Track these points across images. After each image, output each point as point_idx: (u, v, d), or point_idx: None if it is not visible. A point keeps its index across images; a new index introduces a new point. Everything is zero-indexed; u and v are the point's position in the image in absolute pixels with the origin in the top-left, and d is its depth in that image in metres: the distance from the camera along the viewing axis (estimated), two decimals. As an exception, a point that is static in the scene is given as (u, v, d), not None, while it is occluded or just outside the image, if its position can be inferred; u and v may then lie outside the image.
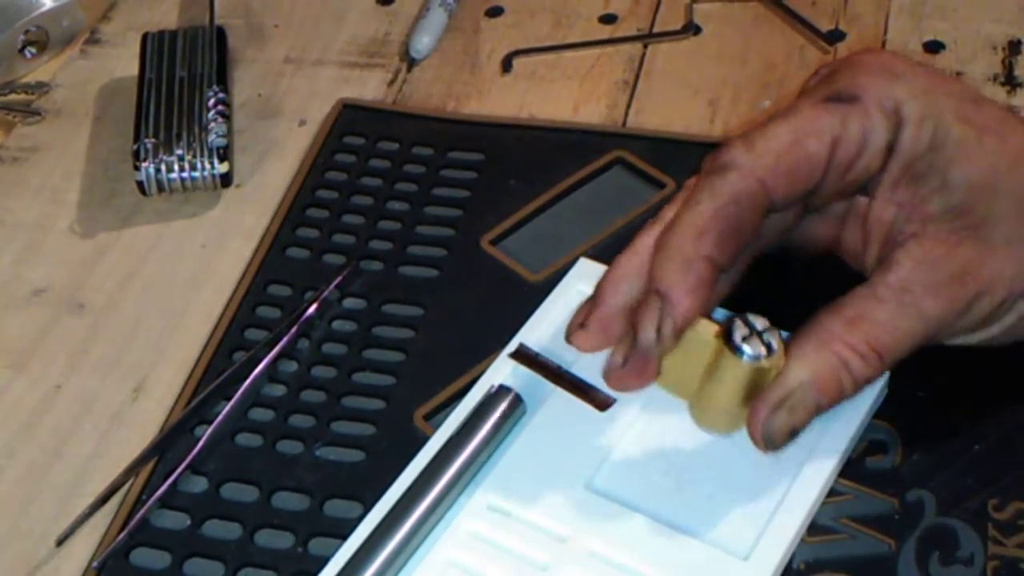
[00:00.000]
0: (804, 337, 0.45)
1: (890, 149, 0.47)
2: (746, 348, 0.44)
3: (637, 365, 0.45)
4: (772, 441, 0.45)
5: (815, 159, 0.46)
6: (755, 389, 0.45)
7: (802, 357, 0.45)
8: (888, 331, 0.45)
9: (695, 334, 0.45)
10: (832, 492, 0.49)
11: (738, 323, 0.44)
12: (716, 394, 0.45)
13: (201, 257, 0.64)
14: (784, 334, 0.45)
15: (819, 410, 0.45)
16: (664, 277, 0.45)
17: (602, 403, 0.50)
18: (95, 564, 0.51)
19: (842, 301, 0.46)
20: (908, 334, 0.45)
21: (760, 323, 0.44)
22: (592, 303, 0.48)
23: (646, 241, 0.48)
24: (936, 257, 0.46)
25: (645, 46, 0.73)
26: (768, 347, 0.44)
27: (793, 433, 0.45)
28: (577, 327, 0.48)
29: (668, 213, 0.48)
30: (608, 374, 0.46)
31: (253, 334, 0.59)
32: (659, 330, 0.44)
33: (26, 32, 0.75)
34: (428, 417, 0.55)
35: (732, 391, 0.45)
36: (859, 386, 0.45)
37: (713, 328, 0.45)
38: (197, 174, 0.65)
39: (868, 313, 0.45)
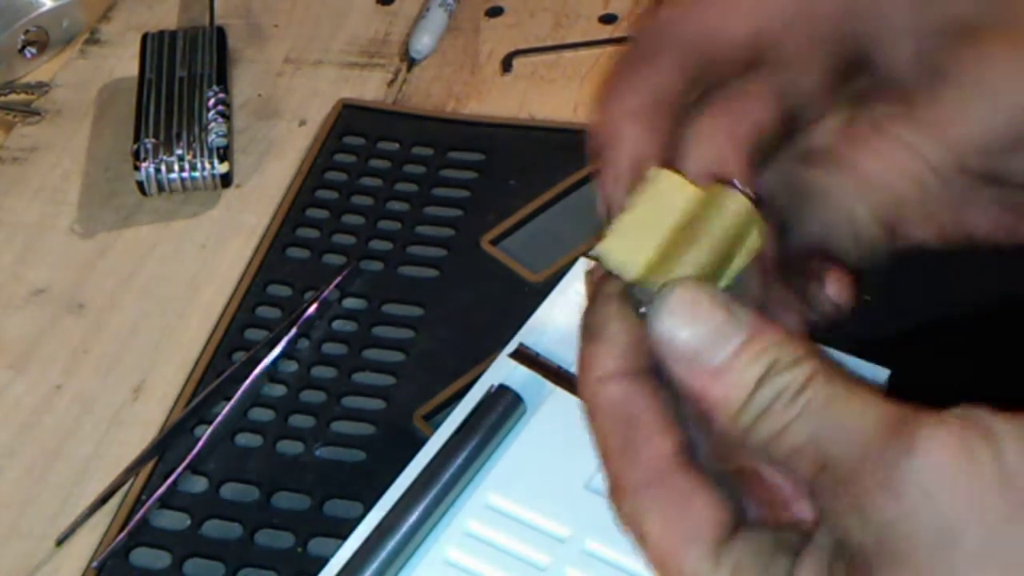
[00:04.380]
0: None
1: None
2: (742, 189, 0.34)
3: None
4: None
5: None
6: (733, 255, 0.35)
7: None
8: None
9: (673, 183, 0.35)
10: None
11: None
12: (688, 248, 0.35)
13: (201, 257, 0.64)
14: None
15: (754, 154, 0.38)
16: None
17: (602, 403, 0.50)
18: (95, 564, 0.51)
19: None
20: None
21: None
22: None
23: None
24: None
25: (645, 46, 0.73)
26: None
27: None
28: None
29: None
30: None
31: (253, 334, 0.59)
32: None
33: (26, 32, 0.75)
34: (428, 417, 0.55)
35: (709, 256, 0.35)
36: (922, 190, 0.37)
37: (688, 183, 0.35)
38: (197, 174, 0.65)
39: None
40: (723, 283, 0.35)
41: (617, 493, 0.37)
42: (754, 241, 0.35)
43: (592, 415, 0.37)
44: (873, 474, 0.32)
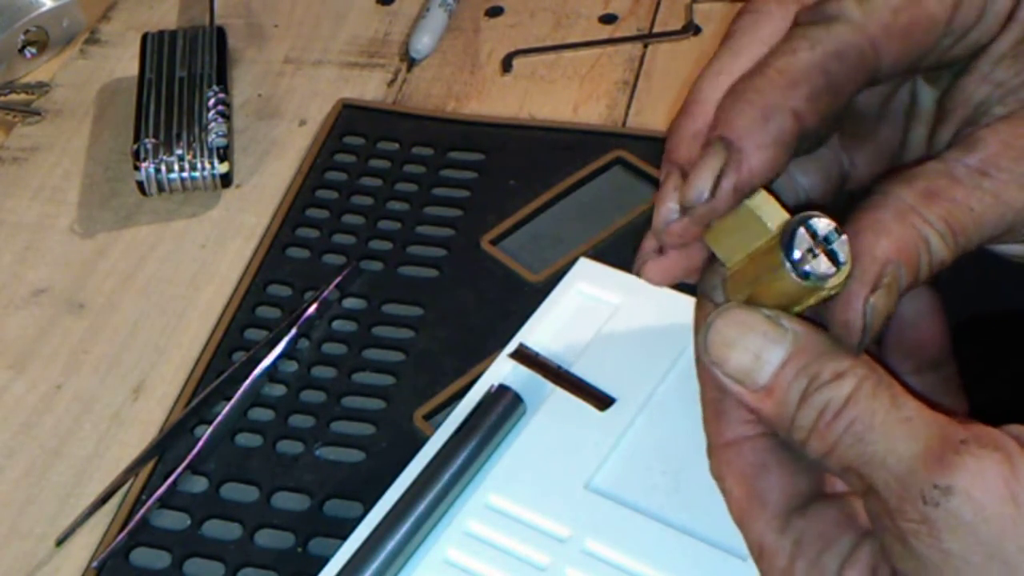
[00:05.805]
0: (877, 206, 0.37)
1: (1009, 17, 0.39)
2: (810, 268, 0.35)
3: (680, 226, 0.37)
4: (871, 328, 0.35)
5: (934, 21, 0.38)
6: (803, 300, 0.37)
7: (883, 228, 0.36)
8: (964, 212, 0.37)
9: (754, 213, 0.37)
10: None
11: (801, 234, 0.35)
12: (757, 286, 0.37)
13: (201, 257, 0.64)
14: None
15: (901, 293, 0.36)
16: (735, 122, 0.36)
17: (602, 403, 0.50)
18: (95, 564, 0.51)
19: (912, 173, 0.38)
20: (983, 220, 0.37)
21: (824, 226, 0.35)
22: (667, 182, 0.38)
23: (713, 93, 0.38)
24: None
25: (645, 46, 0.73)
26: (835, 260, 0.35)
27: (888, 318, 0.36)
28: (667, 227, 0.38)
29: (732, 62, 0.39)
30: (657, 228, 0.38)
31: (253, 334, 0.59)
32: (716, 184, 0.36)
33: (26, 32, 0.75)
34: (428, 417, 0.55)
35: (777, 297, 0.37)
36: (932, 270, 0.37)
37: (777, 213, 0.36)
38: (197, 174, 0.65)
39: (943, 190, 0.37)
40: (797, 308, 0.36)
41: (708, 447, 0.38)
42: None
43: (699, 365, 0.38)
44: (916, 511, 0.32)
